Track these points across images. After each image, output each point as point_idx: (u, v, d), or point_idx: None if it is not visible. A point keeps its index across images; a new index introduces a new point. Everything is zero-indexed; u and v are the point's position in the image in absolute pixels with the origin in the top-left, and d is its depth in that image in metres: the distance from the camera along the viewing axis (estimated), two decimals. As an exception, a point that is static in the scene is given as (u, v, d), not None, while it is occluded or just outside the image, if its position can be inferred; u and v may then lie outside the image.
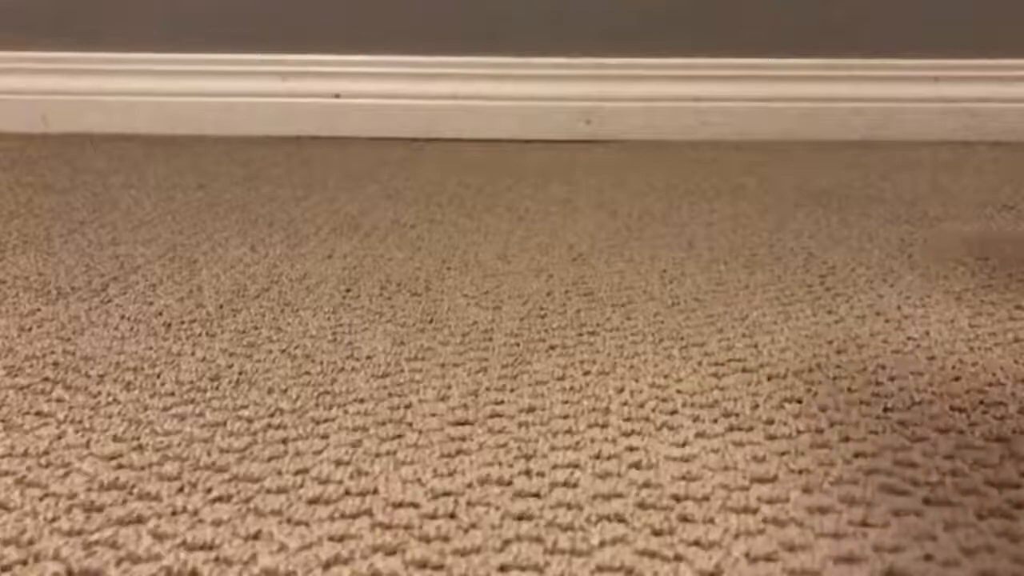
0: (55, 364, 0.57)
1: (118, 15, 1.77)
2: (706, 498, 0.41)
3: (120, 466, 0.44)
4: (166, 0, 1.77)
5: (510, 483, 0.43)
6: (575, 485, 0.43)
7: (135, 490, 0.42)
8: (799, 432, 0.48)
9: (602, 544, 0.38)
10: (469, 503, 0.41)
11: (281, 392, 0.53)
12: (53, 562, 0.36)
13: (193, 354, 0.59)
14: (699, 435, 0.48)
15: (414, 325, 0.65)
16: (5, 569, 0.36)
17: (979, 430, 0.49)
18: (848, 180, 1.28)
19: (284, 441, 0.47)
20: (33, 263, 0.80)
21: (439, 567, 0.36)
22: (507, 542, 0.38)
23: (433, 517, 0.40)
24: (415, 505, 0.41)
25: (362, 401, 0.52)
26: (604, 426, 0.49)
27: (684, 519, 0.40)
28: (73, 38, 1.77)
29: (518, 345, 0.61)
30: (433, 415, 0.50)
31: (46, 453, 0.45)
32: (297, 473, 0.44)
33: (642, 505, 0.41)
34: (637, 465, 0.44)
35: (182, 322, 0.65)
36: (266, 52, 1.78)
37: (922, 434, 0.48)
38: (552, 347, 0.61)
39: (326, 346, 0.61)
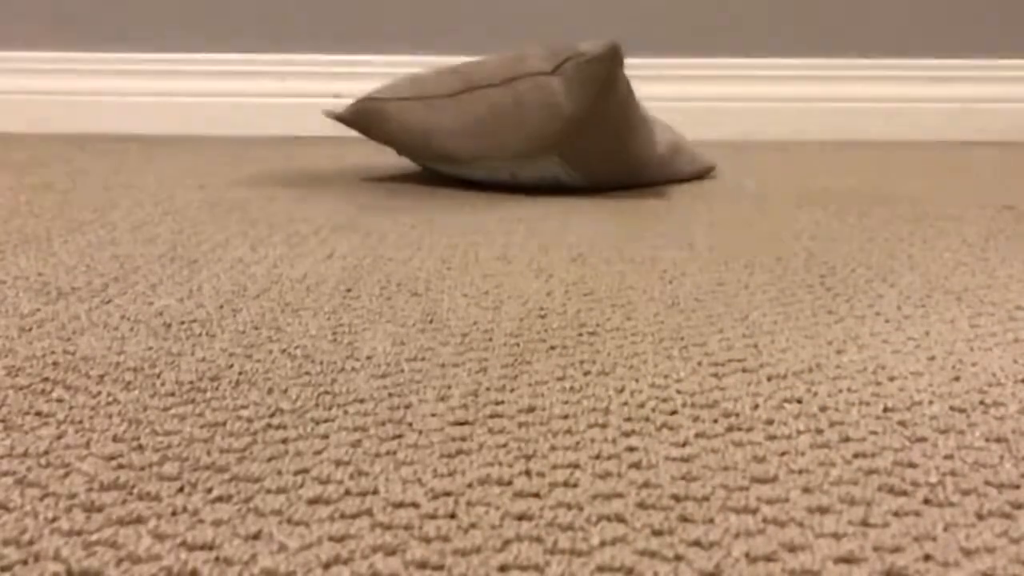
0: (55, 364, 0.57)
1: (118, 15, 1.77)
2: (706, 498, 0.41)
3: (120, 466, 0.44)
4: (166, 0, 1.77)
5: (510, 483, 0.43)
6: (575, 485, 0.43)
7: (135, 490, 0.42)
8: (799, 432, 0.48)
9: (602, 544, 0.38)
10: (469, 503, 0.41)
11: (281, 392, 0.53)
12: (53, 562, 0.36)
13: (193, 354, 0.59)
14: (699, 435, 0.48)
15: (414, 325, 0.65)
16: (5, 569, 0.36)
17: (979, 430, 0.49)
18: (848, 180, 1.28)
19: (284, 441, 0.47)
20: (33, 263, 0.80)
21: (439, 567, 0.36)
22: (507, 542, 0.38)
23: (433, 517, 0.40)
24: (415, 505, 0.41)
25: (362, 401, 0.52)
26: (604, 426, 0.49)
27: (684, 519, 0.40)
28: (73, 38, 1.77)
29: (518, 345, 0.61)
30: (433, 415, 0.50)
31: (46, 453, 0.45)
32: (297, 473, 0.44)
33: (642, 505, 0.41)
34: (637, 465, 0.44)
35: (182, 322, 0.65)
36: (266, 52, 1.78)
37: (922, 434, 0.48)
38: (552, 347, 0.61)
39: (326, 346, 0.61)
